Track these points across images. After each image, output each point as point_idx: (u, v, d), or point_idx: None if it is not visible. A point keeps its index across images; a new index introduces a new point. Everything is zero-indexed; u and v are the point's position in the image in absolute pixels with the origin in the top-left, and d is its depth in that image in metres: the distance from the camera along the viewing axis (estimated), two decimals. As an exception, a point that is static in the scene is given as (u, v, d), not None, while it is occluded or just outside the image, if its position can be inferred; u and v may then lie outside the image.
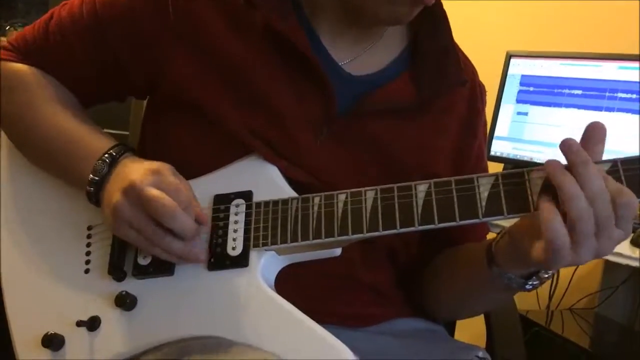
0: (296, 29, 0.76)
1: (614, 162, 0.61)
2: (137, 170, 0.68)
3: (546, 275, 0.71)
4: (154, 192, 0.65)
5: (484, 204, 0.63)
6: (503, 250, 0.71)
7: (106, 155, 0.72)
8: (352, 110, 0.77)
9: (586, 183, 0.58)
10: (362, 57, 0.81)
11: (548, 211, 0.58)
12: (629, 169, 0.60)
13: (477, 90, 0.88)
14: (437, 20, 0.82)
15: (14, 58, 0.81)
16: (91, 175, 0.72)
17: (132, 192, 0.66)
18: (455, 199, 0.64)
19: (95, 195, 0.72)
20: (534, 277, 0.71)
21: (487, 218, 0.63)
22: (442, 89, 0.81)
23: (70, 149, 0.75)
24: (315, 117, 0.76)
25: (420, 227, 0.64)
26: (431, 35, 0.82)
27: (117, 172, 0.71)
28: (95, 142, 0.75)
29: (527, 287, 0.72)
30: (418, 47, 0.83)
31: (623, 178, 0.60)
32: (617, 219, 0.58)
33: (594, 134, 0.61)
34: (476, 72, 0.90)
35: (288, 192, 0.72)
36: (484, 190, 0.63)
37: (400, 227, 0.65)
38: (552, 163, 0.60)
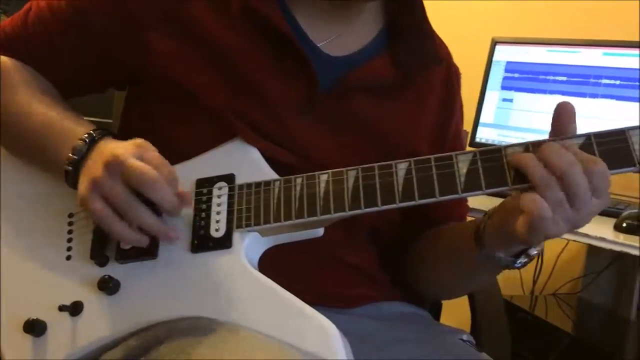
0: (273, 9, 0.76)
1: (588, 136, 0.62)
2: (118, 145, 0.67)
3: (534, 252, 0.72)
4: (138, 162, 0.65)
5: (462, 179, 0.64)
6: (490, 231, 0.72)
7: (86, 135, 0.71)
8: (334, 88, 0.78)
9: (550, 157, 0.60)
10: (340, 38, 0.82)
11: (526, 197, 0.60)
12: (602, 142, 0.62)
13: (452, 71, 0.90)
14: (411, 2, 0.84)
15: None
16: (70, 154, 0.70)
17: (115, 164, 0.65)
18: (434, 176, 0.65)
19: (73, 176, 0.71)
20: (523, 255, 0.72)
21: (466, 193, 0.65)
22: (421, 65, 0.83)
23: (49, 132, 0.74)
24: (298, 97, 0.77)
25: (402, 204, 0.66)
26: (406, 16, 0.84)
27: (97, 152, 0.70)
28: (75, 126, 0.74)
29: (517, 265, 0.73)
30: (394, 27, 0.84)
31: (597, 152, 0.61)
32: (593, 189, 0.60)
33: (563, 114, 0.63)
34: (450, 54, 0.92)
35: (270, 174, 0.72)
36: (462, 166, 0.65)
37: (382, 205, 0.66)
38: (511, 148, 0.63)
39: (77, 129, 0.73)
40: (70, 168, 0.70)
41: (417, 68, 0.83)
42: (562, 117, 0.63)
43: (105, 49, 0.78)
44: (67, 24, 0.78)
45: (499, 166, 0.64)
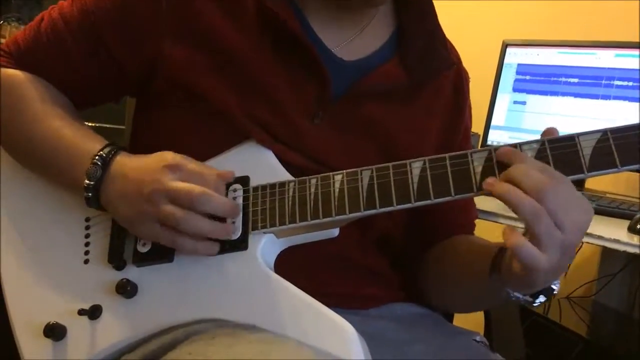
0: (288, 14, 0.77)
1: (604, 132, 0.62)
2: (151, 170, 0.67)
3: (555, 287, 0.68)
4: (182, 184, 0.66)
5: (478, 178, 0.64)
6: (505, 271, 0.68)
7: (97, 157, 0.71)
8: (347, 93, 0.79)
9: (523, 181, 0.59)
10: (352, 42, 0.82)
11: (512, 236, 0.59)
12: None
13: (462, 75, 0.90)
14: (422, 5, 0.85)
15: (7, 63, 0.80)
16: (86, 181, 0.71)
17: (158, 196, 0.66)
18: (449, 174, 0.65)
19: (94, 200, 0.72)
20: (541, 294, 0.68)
21: (482, 191, 0.64)
22: (432, 70, 0.84)
23: (60, 154, 0.75)
24: (311, 101, 0.78)
25: (417, 203, 0.65)
26: (418, 19, 0.84)
27: (114, 173, 0.70)
28: (85, 144, 0.74)
29: (535, 304, 0.69)
30: (406, 31, 0.85)
31: (613, 147, 0.61)
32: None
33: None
34: (460, 58, 0.92)
35: (284, 175, 0.72)
36: (477, 164, 0.65)
37: (397, 204, 0.66)
38: (489, 181, 0.62)
39: (86, 148, 0.73)
40: (89, 194, 0.71)
41: (427, 73, 0.83)
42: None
43: (119, 57, 0.78)
44: (81, 34, 0.78)
45: None
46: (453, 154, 0.66)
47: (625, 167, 0.61)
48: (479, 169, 0.64)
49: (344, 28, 0.82)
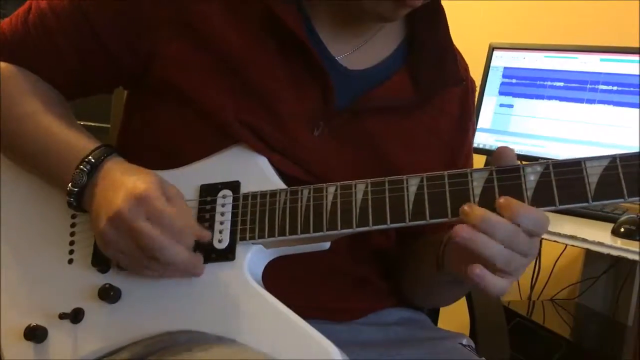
0: (295, 19, 0.74)
1: (613, 158, 0.60)
2: (122, 193, 0.65)
3: None
4: (143, 226, 0.63)
5: (477, 200, 0.62)
6: (448, 259, 0.71)
7: (85, 162, 0.70)
8: (351, 106, 0.76)
9: (494, 233, 0.59)
10: (359, 51, 0.80)
11: (476, 271, 0.59)
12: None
13: (469, 87, 0.88)
14: (434, 16, 0.81)
15: None
16: (70, 186, 0.69)
17: (120, 223, 0.64)
18: (447, 194, 0.62)
19: (76, 203, 0.70)
20: None
21: None
22: (440, 86, 0.81)
23: (49, 153, 0.73)
24: (313, 111, 0.75)
25: (411, 223, 0.63)
26: (429, 31, 0.81)
27: (101, 181, 0.69)
28: (75, 145, 0.72)
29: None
30: (415, 42, 0.82)
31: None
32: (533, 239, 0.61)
33: (504, 156, 0.63)
34: (468, 67, 0.89)
35: (277, 183, 0.70)
36: (477, 185, 0.62)
37: (391, 223, 0.63)
38: (457, 230, 0.60)
39: (75, 150, 0.71)
40: (71, 199, 0.70)
41: (435, 87, 0.80)
42: (502, 159, 0.63)
43: (111, 50, 0.75)
44: (71, 27, 0.75)
45: (517, 185, 0.61)
46: (452, 172, 0.63)
47: (631, 199, 0.58)
48: (478, 190, 0.62)
49: (351, 37, 0.79)
